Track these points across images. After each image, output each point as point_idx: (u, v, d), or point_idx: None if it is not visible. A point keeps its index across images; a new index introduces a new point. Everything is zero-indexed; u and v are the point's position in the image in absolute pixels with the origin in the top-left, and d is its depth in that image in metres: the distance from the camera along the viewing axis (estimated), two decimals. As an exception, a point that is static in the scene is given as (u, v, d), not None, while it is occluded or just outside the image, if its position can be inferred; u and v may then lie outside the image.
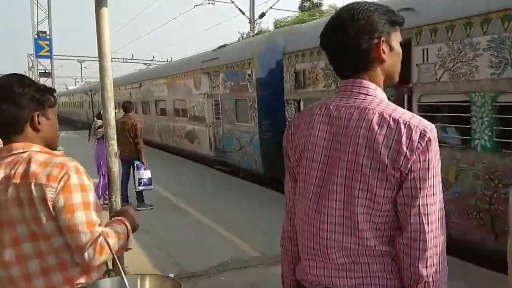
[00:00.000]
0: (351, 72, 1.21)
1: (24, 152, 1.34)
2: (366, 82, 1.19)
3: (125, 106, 7.16)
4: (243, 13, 18.21)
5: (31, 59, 21.16)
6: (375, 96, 1.17)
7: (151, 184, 6.63)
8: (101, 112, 7.12)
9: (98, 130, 6.85)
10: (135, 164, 6.61)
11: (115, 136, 3.69)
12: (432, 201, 1.08)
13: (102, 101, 3.58)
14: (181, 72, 12.19)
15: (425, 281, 1.09)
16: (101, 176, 6.94)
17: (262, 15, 18.49)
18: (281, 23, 30.22)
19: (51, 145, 1.44)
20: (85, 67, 51.01)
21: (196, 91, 11.14)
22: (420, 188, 1.07)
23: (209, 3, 18.39)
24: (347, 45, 1.18)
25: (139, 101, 16.10)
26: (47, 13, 14.34)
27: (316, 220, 1.19)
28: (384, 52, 1.18)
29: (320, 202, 1.19)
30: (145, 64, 36.40)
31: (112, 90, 3.56)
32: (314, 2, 38.84)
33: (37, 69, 16.27)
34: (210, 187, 8.45)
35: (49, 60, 15.33)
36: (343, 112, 1.17)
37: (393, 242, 1.13)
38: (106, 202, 6.87)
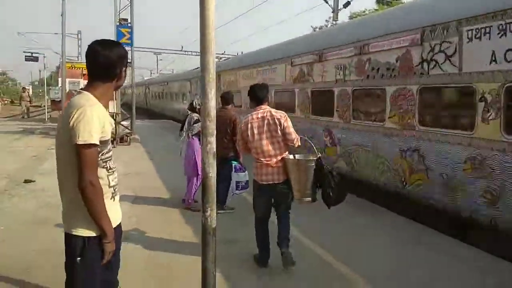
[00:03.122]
0: None
1: (265, 108, 4.16)
2: None
3: (225, 98, 6.33)
4: (327, 2, 17.00)
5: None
6: None
7: (248, 187, 5.83)
8: (194, 104, 6.42)
9: (195, 125, 6.09)
10: (233, 165, 5.78)
11: (214, 131, 2.90)
12: None
13: (202, 85, 2.77)
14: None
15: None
16: (197, 178, 6.05)
17: (347, 4, 17.14)
18: (358, 16, 28.50)
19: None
20: (161, 59, 53.16)
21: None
22: None
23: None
24: None
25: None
26: (129, 0, 14.28)
27: None
28: None
29: None
30: (216, 57, 36.43)
31: (214, 71, 2.76)
32: (393, -6, 36.28)
33: (118, 57, 16.40)
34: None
35: (130, 48, 15.34)
36: None
37: None
38: (193, 207, 6.14)
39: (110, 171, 2.12)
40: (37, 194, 6.91)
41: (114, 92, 2.38)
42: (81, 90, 2.13)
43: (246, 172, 5.74)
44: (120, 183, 2.35)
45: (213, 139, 2.81)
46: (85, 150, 1.93)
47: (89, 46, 2.12)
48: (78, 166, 1.94)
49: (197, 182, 6.03)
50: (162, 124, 21.17)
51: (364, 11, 31.28)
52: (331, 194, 3.86)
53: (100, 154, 2.05)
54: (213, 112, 2.77)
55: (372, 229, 5.49)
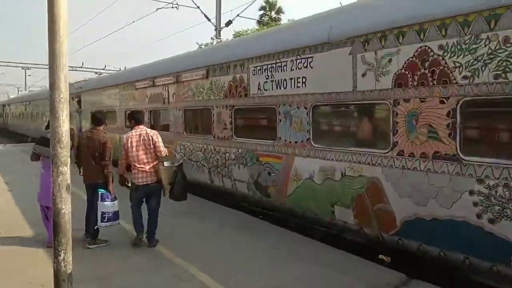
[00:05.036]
0: None
1: (142, 127, 5.51)
2: None
3: (97, 118, 5.64)
4: (209, 20, 17.12)
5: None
6: None
7: (117, 219, 5.25)
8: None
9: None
10: (99, 193, 5.20)
11: (68, 160, 2.43)
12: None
13: (51, 105, 2.31)
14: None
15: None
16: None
17: (229, 23, 17.49)
18: (241, 35, 29.50)
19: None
20: (29, 75, 46.84)
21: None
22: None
23: (172, 7, 17.07)
24: None
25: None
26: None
27: None
28: None
29: None
30: (96, 73, 33.98)
31: (67, 89, 2.32)
32: (273, 16, 38.62)
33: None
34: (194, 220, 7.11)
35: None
36: None
37: None
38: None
39: None
40: None
41: None
42: None
43: (116, 202, 5.22)
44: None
45: (66, 169, 2.35)
46: None
47: None
48: None
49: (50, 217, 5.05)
50: (27, 148, 18.65)
51: (246, 31, 32.55)
52: (174, 192, 5.33)
53: None
54: (65, 138, 2.32)
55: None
